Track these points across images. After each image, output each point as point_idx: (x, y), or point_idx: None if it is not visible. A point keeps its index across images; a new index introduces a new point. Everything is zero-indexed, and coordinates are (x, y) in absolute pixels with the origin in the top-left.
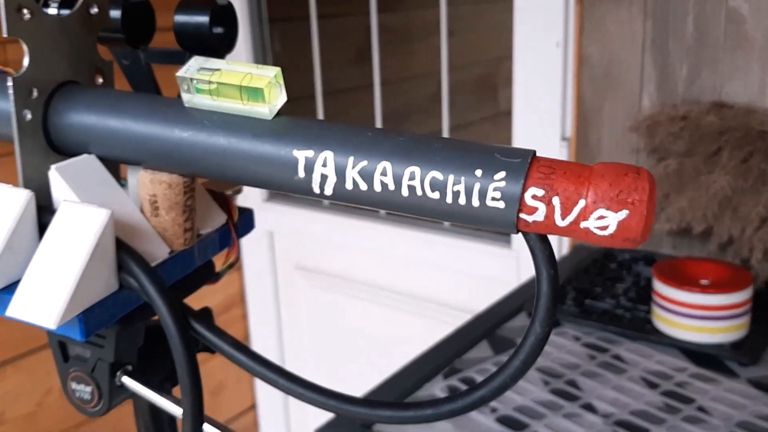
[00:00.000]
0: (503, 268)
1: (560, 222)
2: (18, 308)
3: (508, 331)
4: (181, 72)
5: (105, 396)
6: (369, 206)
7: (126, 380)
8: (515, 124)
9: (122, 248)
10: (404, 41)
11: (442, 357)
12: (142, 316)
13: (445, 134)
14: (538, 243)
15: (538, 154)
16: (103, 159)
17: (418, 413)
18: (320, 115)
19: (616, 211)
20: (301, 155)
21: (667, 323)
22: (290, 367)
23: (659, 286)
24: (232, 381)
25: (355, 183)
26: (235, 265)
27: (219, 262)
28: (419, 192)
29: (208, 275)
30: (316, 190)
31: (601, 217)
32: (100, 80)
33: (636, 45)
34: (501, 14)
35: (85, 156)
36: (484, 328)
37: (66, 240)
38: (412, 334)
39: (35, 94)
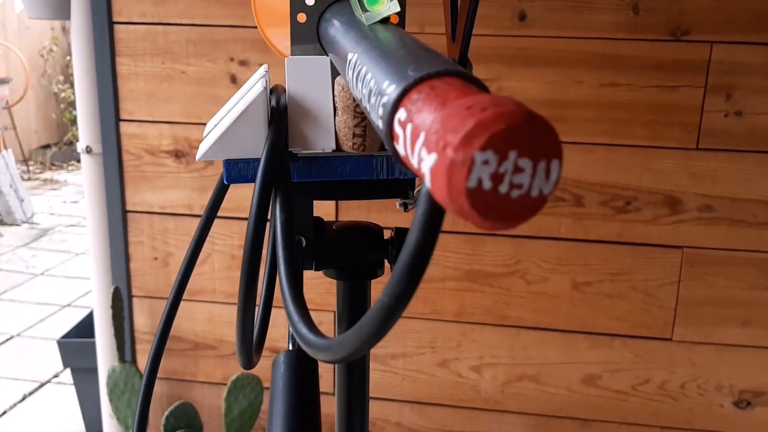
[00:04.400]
0: None
1: (412, 159)
2: (200, 147)
3: None
4: None
5: None
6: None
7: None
8: None
9: (272, 123)
10: None
11: None
12: (302, 191)
13: None
14: (425, 197)
15: (460, 72)
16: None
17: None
18: None
19: (429, 154)
20: (348, 57)
21: None
22: None
23: None
24: None
25: (357, 86)
26: None
27: None
28: (365, 103)
29: (395, 191)
30: (354, 92)
31: (421, 160)
32: None
33: None
34: None
35: (320, 57)
36: None
37: (239, 106)
38: None
39: (311, 2)
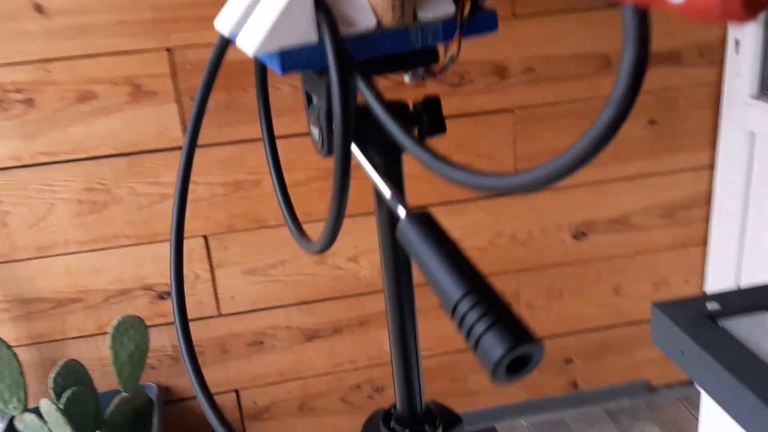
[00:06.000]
0: None
1: None
2: (241, 39)
3: None
4: None
5: (326, 140)
6: None
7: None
8: None
9: (320, 7)
10: None
11: None
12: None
13: None
14: (633, 20)
15: None
16: None
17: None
18: None
19: None
20: None
21: None
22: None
23: None
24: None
25: None
26: (455, 58)
27: None
28: None
29: (428, 59)
30: None
31: None
32: None
33: None
34: None
35: None
36: None
37: None
38: None
39: None
